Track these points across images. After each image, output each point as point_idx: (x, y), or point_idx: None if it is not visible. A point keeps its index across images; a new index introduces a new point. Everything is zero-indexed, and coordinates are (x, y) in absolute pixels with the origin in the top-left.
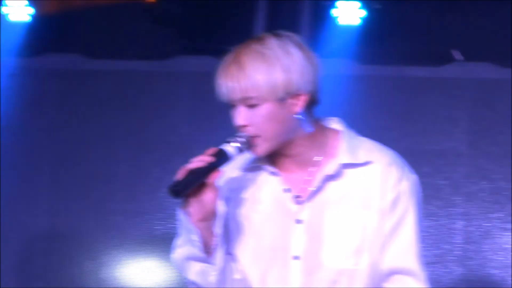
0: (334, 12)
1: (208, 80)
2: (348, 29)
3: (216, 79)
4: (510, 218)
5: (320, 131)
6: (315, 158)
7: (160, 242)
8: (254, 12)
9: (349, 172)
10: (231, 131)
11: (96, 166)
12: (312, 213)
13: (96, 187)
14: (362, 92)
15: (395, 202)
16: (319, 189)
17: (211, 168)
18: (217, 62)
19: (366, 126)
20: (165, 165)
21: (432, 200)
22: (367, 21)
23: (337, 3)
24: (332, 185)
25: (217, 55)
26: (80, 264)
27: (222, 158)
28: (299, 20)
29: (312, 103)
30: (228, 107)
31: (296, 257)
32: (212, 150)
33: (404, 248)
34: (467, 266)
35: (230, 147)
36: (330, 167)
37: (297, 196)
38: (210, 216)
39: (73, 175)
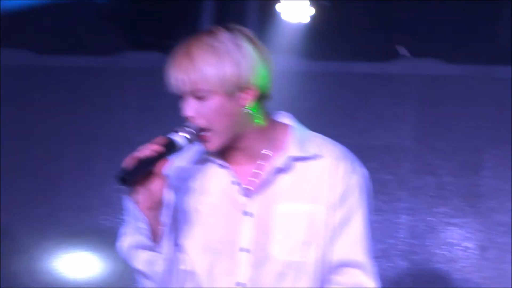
0: (281, 9)
1: (155, 75)
2: (296, 26)
3: (167, 70)
4: (454, 213)
5: (270, 125)
6: (265, 152)
7: (106, 236)
8: (201, 8)
9: (298, 165)
10: (179, 125)
11: (43, 161)
12: (261, 206)
13: (42, 182)
14: (310, 88)
15: (344, 196)
16: (268, 182)
17: (159, 157)
18: (164, 57)
19: (313, 121)
20: (112, 160)
21: (378, 195)
22: (314, 18)
23: (285, 1)
24: (281, 178)
25: (164, 50)
26: (25, 260)
27: (170, 147)
28: (246, 16)
29: (262, 98)
30: (177, 100)
31: (244, 250)
32: (160, 139)
33: (353, 241)
34: (411, 261)
35: (178, 137)
36: (279, 160)
37: (246, 189)
38: (157, 205)
39: (19, 170)
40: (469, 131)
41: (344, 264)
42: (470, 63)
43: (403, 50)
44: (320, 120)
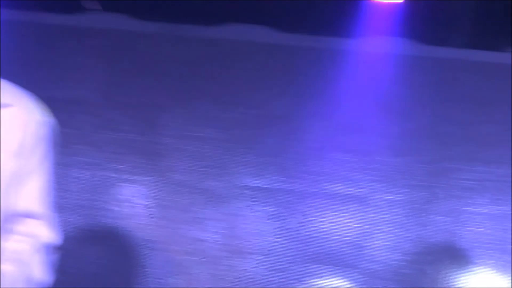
0: None
1: None
2: None
3: None
4: (134, 170)
5: None
6: None
7: None
8: None
9: None
10: None
11: None
12: None
13: None
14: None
15: (29, 146)
16: None
17: None
18: None
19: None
20: None
21: (60, 148)
22: None
23: None
24: None
25: None
26: None
27: None
28: None
29: None
30: None
31: None
32: None
33: (34, 192)
34: (89, 216)
35: None
36: None
37: None
38: None
39: None
40: (153, 88)
41: (24, 215)
42: (162, 21)
43: (91, 4)
44: (10, 69)
